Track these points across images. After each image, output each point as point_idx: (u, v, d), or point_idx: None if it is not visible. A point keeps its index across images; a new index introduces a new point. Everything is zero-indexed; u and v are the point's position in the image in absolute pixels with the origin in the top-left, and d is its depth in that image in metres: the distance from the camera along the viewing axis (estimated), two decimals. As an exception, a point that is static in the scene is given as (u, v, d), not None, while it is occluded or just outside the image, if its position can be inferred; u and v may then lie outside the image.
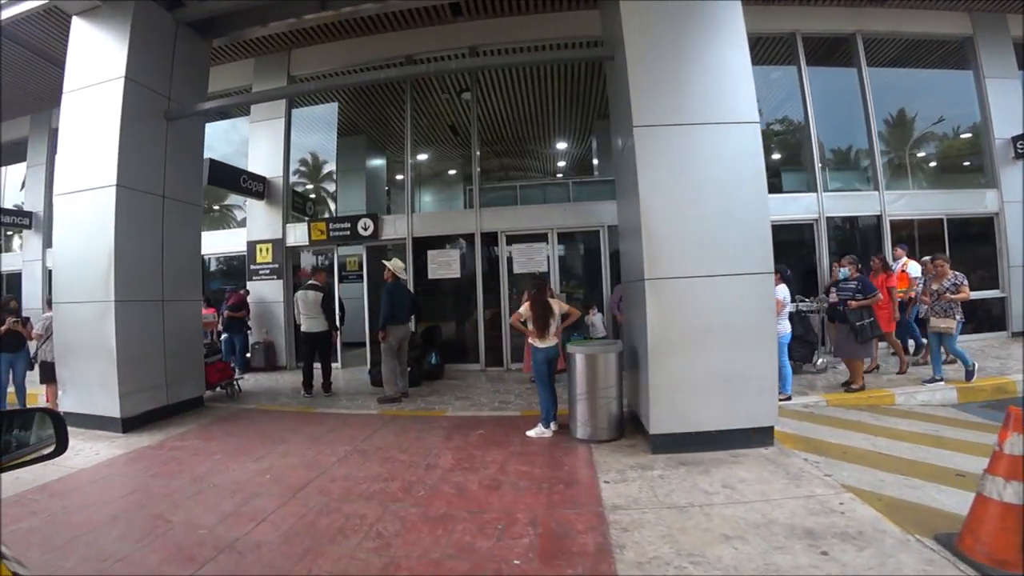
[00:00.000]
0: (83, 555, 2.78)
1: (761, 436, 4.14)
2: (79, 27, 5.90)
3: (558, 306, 4.96)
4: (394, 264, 6.61)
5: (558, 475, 3.78)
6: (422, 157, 12.05)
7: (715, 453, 3.99)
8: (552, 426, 4.78)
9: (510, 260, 8.74)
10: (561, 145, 12.81)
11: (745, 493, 3.26)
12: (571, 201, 9.41)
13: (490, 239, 8.84)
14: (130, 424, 5.38)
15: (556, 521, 3.02)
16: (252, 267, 9.49)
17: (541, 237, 8.76)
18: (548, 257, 8.70)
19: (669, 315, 4.18)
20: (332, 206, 10.78)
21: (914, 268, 7.25)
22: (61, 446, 1.30)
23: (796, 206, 8.61)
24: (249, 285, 9.47)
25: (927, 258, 6.57)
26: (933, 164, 9.94)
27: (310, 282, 7.10)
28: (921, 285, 6.66)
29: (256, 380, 8.14)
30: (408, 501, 3.41)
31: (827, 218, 8.60)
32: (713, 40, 4.47)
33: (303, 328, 6.97)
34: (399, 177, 12.06)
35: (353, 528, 3.03)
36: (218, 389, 6.89)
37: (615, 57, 5.00)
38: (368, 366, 8.23)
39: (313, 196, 10.65)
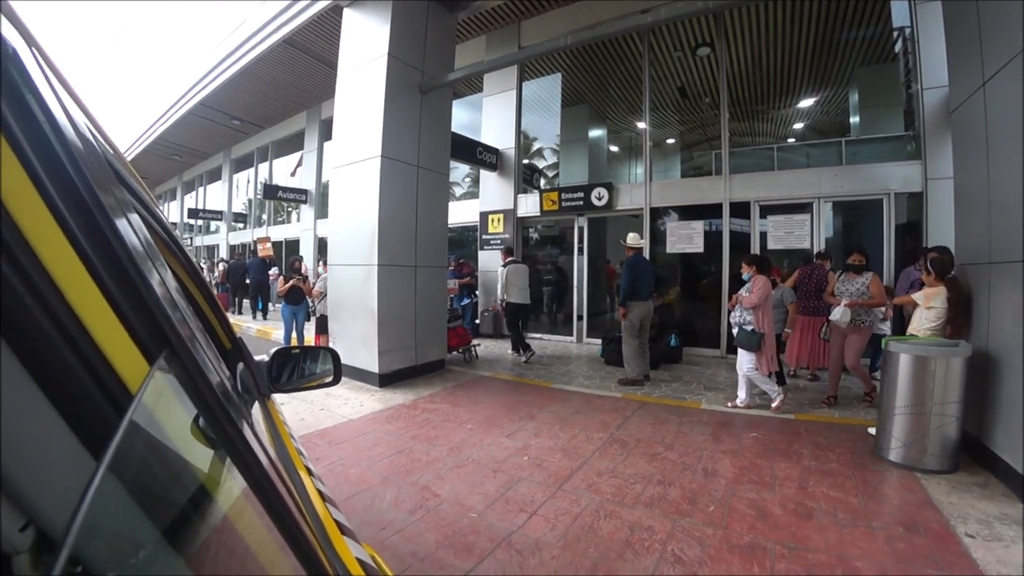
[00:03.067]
0: (363, 518, 2.70)
1: None
2: (349, 16, 6.42)
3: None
4: (631, 238, 5.93)
5: (887, 511, 2.89)
6: (642, 125, 11.17)
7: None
8: None
9: (764, 234, 7.37)
10: (807, 102, 10.61)
11: None
12: (843, 164, 7.53)
13: (741, 209, 7.55)
14: (385, 380, 5.73)
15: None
16: (484, 237, 9.76)
17: (804, 207, 7.20)
18: (812, 231, 7.10)
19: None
20: (551, 178, 10.61)
21: None
22: (337, 377, 1.57)
23: None
24: (480, 254, 9.80)
25: None
26: None
27: (512, 259, 7.33)
28: None
29: (485, 346, 8.26)
30: (698, 517, 2.72)
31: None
32: None
33: (515, 299, 7.16)
34: (613, 148, 11.43)
35: (643, 544, 2.44)
36: (456, 353, 7.10)
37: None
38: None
39: (541, 168, 10.56)
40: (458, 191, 12.23)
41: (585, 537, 2.49)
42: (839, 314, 4.68)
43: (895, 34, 7.61)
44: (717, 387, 5.66)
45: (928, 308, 3.89)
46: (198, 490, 0.50)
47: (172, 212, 25.24)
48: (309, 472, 1.13)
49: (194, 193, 23.03)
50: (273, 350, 1.44)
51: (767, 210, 7.42)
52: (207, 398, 0.53)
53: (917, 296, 4.02)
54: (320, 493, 1.07)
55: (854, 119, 8.99)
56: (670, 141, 12.36)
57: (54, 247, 0.34)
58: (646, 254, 7.91)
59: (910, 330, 4.03)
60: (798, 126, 10.78)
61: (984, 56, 3.57)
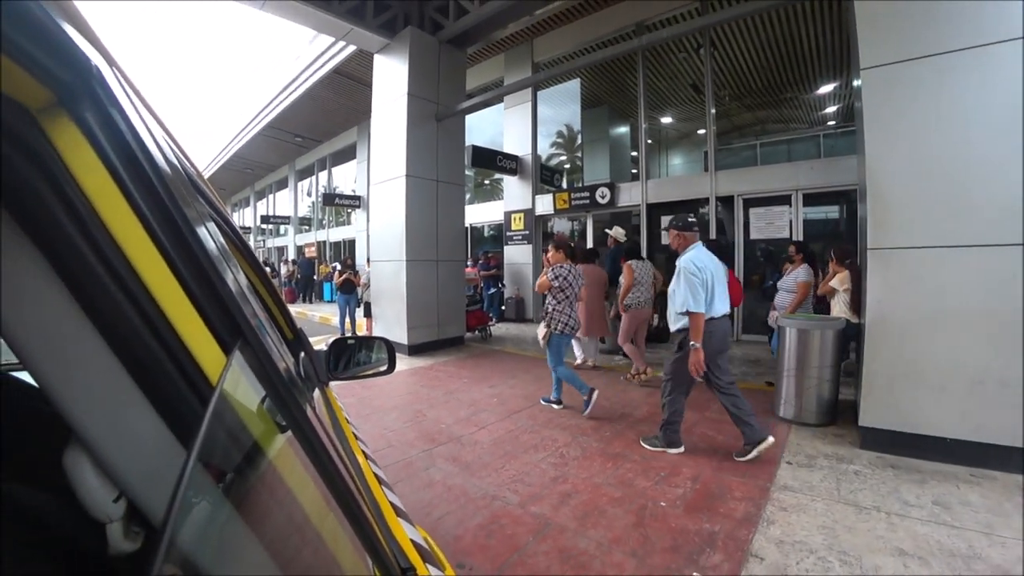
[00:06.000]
0: (374, 424, 4.32)
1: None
2: (378, 61, 8.02)
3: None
4: (615, 231, 7.03)
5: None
6: (667, 120, 11.96)
7: (946, 466, 3.29)
8: None
9: (747, 225, 8.26)
10: (824, 89, 10.98)
11: (961, 518, 2.65)
12: (821, 157, 8.25)
13: (727, 203, 8.46)
14: (413, 349, 7.34)
15: (717, 483, 3.14)
16: (508, 234, 11.18)
17: (784, 199, 8.00)
18: (791, 222, 7.92)
19: (896, 292, 3.55)
20: (576, 176, 11.66)
21: None
22: (391, 367, 1.69)
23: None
24: (505, 249, 11.24)
25: None
26: None
27: None
28: None
29: (506, 328, 9.79)
30: (594, 437, 4.02)
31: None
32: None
33: None
34: (648, 142, 12.28)
35: (545, 446, 3.81)
36: (475, 332, 8.60)
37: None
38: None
39: (567, 167, 11.73)
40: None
41: (509, 441, 3.90)
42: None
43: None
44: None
45: (844, 291, 4.86)
46: (269, 471, 0.53)
47: (247, 218, 28.75)
48: (366, 456, 1.21)
49: (265, 200, 26.28)
50: (331, 340, 1.60)
51: (750, 203, 8.28)
52: (276, 385, 0.57)
53: (834, 283, 4.98)
54: (376, 477, 1.13)
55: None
56: (701, 132, 13.10)
57: (141, 250, 0.38)
58: (643, 248, 9.03)
59: (834, 313, 4.87)
60: (831, 109, 11.13)
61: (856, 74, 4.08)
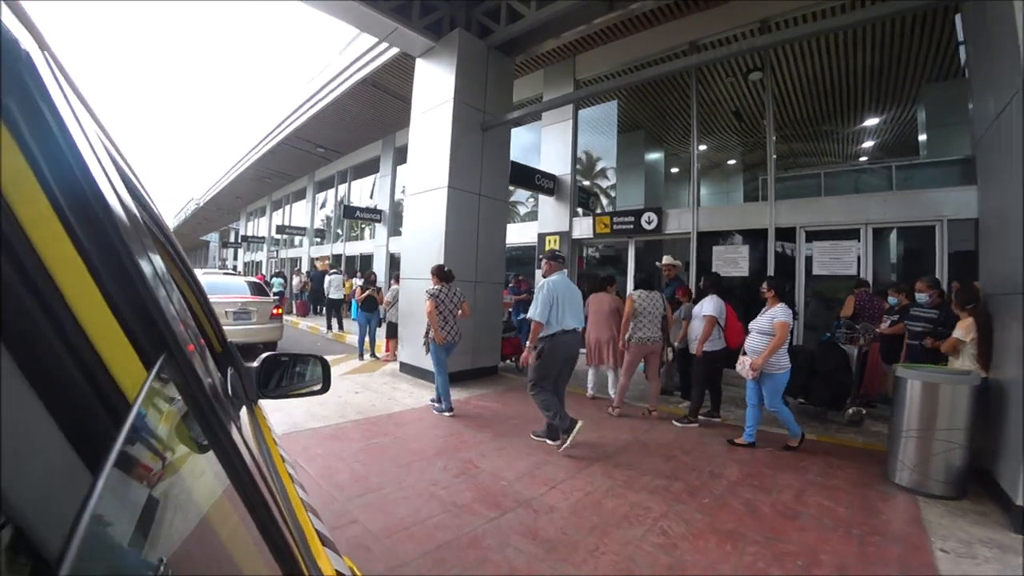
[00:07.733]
0: (418, 476, 3.50)
1: None
2: (420, 66, 7.49)
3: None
4: (668, 259, 6.69)
5: (871, 523, 3.11)
6: (702, 148, 11.44)
7: None
8: None
9: (809, 259, 7.57)
10: (872, 121, 10.40)
11: None
12: (894, 189, 7.60)
13: (786, 235, 7.79)
14: (446, 379, 6.54)
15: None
16: (540, 257, 10.44)
17: (851, 234, 7.33)
18: (859, 257, 7.23)
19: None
20: (610, 200, 11.15)
21: None
22: (326, 386, 1.60)
23: None
24: (537, 273, 10.46)
25: None
26: None
27: None
28: None
29: (538, 359, 8.97)
30: (693, 505, 3.24)
31: None
32: None
33: None
34: (673, 170, 11.76)
35: (638, 518, 3.02)
36: (508, 361, 7.82)
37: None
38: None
39: (597, 191, 11.14)
40: (522, 210, 12.96)
41: (591, 508, 3.10)
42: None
43: (960, 47, 7.13)
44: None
45: (971, 341, 4.07)
46: (184, 493, 0.50)
47: (262, 228, 28.30)
48: (292, 480, 1.17)
49: (281, 211, 25.71)
50: (263, 356, 1.48)
51: (813, 236, 7.61)
52: (200, 402, 0.55)
53: (958, 333, 4.18)
54: (302, 502, 1.10)
55: (923, 137, 8.71)
56: (731, 162, 12.59)
57: (59, 251, 0.35)
58: (692, 276, 8.34)
59: (958, 366, 4.08)
60: (867, 144, 10.58)
61: (996, 92, 3.78)
